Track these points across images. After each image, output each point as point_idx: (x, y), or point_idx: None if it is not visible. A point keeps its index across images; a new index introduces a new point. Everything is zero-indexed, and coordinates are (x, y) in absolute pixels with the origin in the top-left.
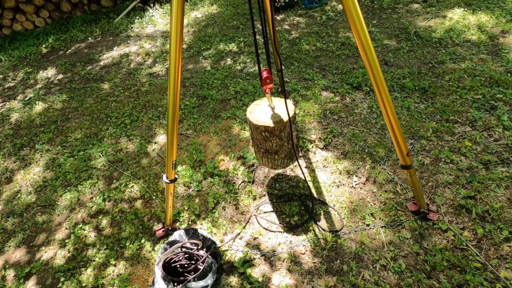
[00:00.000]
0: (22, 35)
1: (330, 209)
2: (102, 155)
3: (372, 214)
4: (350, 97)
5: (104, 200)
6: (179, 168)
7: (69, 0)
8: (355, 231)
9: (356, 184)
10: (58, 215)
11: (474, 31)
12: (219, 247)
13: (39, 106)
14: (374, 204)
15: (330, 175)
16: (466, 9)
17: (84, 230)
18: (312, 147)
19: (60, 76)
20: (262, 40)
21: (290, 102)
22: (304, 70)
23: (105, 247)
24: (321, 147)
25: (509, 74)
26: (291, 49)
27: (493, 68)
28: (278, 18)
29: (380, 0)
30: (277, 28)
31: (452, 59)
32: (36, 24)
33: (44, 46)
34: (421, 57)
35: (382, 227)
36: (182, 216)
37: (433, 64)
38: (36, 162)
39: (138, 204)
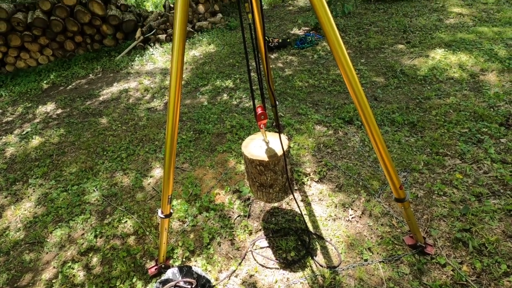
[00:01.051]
0: (25, 71)
1: (327, 243)
2: (96, 189)
3: (369, 249)
4: (342, 131)
5: (95, 236)
6: (174, 202)
7: (73, 40)
8: (353, 267)
9: (352, 218)
10: (47, 253)
11: (455, 69)
12: (214, 285)
13: (35, 140)
14: (371, 238)
15: (326, 208)
16: (446, 50)
17: (73, 269)
18: (307, 180)
19: (59, 111)
20: (257, 77)
21: (284, 136)
22: (297, 105)
23: (94, 287)
24: (316, 180)
25: (491, 109)
26: (285, 86)
27: (476, 103)
28: (272, 56)
29: (367, 41)
30: (271, 66)
31: (437, 95)
32: (39, 62)
33: (45, 82)
34: (408, 93)
35: (380, 262)
36: (176, 253)
37: (420, 100)
38: (28, 197)
39: (131, 240)
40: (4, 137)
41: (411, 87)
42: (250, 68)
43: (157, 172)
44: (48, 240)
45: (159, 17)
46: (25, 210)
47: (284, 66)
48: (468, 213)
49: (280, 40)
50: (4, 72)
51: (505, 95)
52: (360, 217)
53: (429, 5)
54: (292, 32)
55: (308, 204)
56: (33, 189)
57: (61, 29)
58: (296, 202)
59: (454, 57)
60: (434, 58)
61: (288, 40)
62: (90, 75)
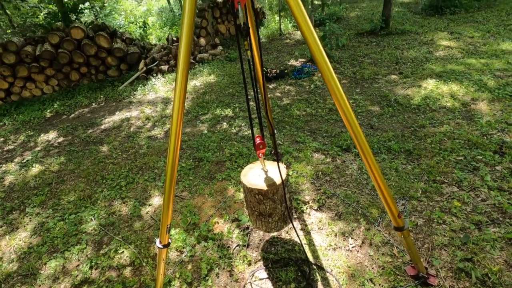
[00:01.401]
0: (29, 101)
1: (327, 274)
2: (94, 219)
3: (371, 280)
4: (340, 158)
5: (91, 267)
6: (172, 231)
7: (78, 70)
8: None
9: (353, 247)
10: (40, 285)
11: (448, 99)
12: None
13: (35, 169)
14: (372, 268)
15: (325, 238)
16: (438, 80)
17: None
18: (306, 208)
19: (61, 139)
20: (256, 106)
21: (282, 165)
22: (295, 133)
23: None
24: (315, 208)
25: (485, 137)
26: (283, 114)
27: (469, 131)
28: (270, 86)
29: (361, 72)
30: (269, 96)
31: (432, 124)
32: (44, 91)
33: (48, 111)
34: (403, 121)
35: None
36: (173, 285)
37: (415, 128)
38: (24, 226)
39: (127, 272)
40: (4, 165)
41: (406, 116)
42: (249, 97)
43: (156, 200)
44: (41, 272)
45: (162, 50)
46: (20, 240)
47: (282, 96)
48: (468, 242)
49: (278, 71)
50: (9, 102)
51: (497, 124)
52: (361, 246)
53: (419, 38)
54: (289, 63)
55: (307, 233)
56: (30, 218)
57: (67, 60)
58: (296, 232)
59: (445, 87)
60: (426, 88)
61: (286, 71)
62: (93, 104)
